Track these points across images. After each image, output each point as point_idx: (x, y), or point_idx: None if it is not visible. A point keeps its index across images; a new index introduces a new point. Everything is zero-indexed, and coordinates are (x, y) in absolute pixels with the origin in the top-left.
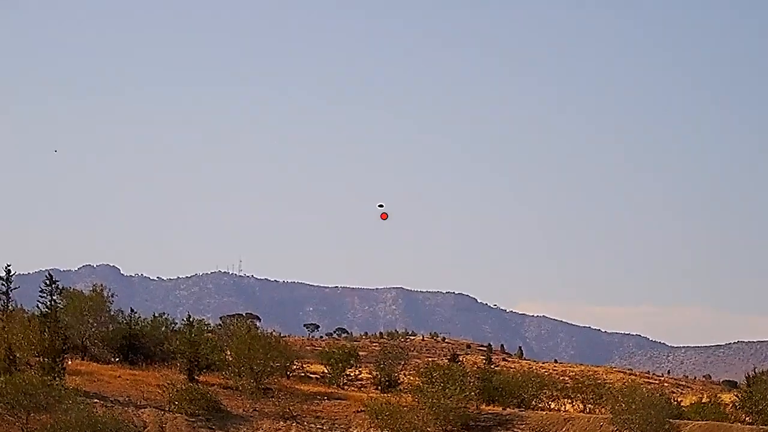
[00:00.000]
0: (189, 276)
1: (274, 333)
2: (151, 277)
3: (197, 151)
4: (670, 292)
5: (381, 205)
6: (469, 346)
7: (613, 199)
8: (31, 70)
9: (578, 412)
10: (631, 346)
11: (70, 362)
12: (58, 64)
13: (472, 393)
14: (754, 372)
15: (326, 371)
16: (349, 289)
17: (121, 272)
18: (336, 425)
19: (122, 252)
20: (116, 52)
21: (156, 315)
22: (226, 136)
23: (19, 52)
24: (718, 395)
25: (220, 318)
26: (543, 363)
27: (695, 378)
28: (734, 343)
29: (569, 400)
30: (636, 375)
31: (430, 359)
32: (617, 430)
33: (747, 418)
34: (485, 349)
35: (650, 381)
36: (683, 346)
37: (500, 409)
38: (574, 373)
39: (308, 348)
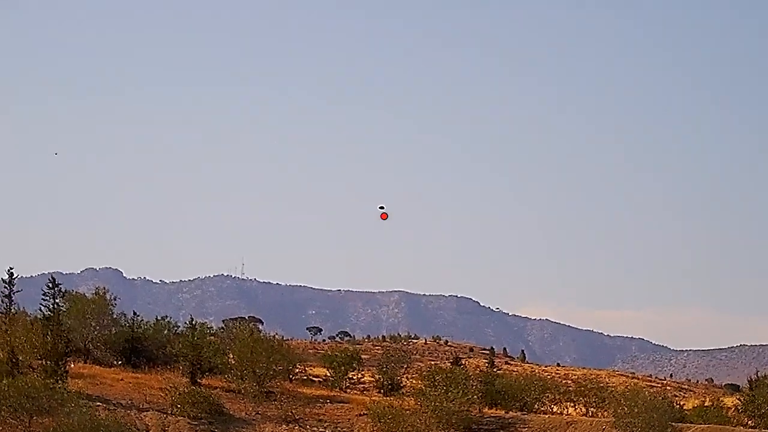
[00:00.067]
0: (191, 279)
1: (276, 336)
2: (154, 281)
3: (197, 152)
4: (673, 295)
5: (382, 207)
6: (471, 350)
7: (613, 200)
8: (31, 70)
9: (581, 415)
10: (633, 349)
11: (72, 365)
12: (58, 64)
13: (475, 396)
14: (757, 375)
15: (329, 374)
16: (352, 293)
17: (124, 275)
18: (339, 428)
19: (125, 255)
20: (116, 52)
21: (158, 318)
22: (226, 136)
23: (19, 52)
24: (721, 399)
25: (223, 321)
26: (545, 366)
27: (698, 381)
28: (737, 346)
29: (572, 404)
30: (638, 378)
31: (432, 362)
32: None
33: (749, 422)
34: (488, 352)
35: (653, 384)
36: (686, 350)
37: (503, 412)
38: (576, 377)
39: (311, 351)
